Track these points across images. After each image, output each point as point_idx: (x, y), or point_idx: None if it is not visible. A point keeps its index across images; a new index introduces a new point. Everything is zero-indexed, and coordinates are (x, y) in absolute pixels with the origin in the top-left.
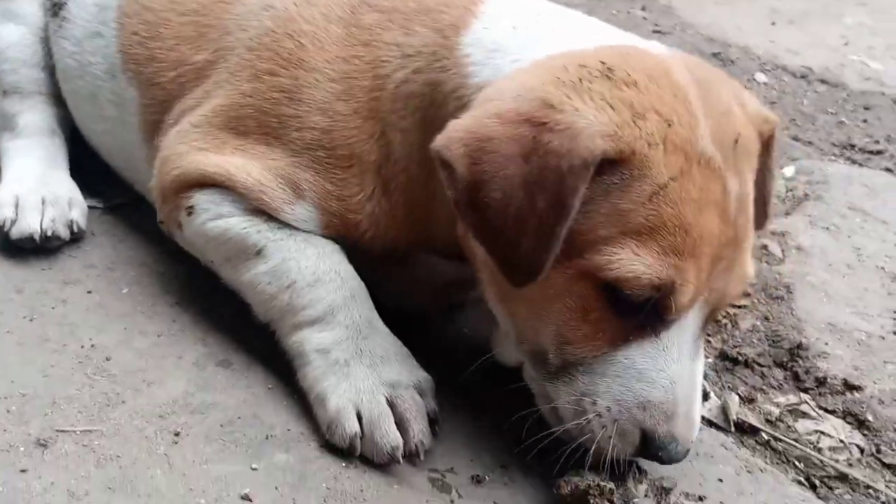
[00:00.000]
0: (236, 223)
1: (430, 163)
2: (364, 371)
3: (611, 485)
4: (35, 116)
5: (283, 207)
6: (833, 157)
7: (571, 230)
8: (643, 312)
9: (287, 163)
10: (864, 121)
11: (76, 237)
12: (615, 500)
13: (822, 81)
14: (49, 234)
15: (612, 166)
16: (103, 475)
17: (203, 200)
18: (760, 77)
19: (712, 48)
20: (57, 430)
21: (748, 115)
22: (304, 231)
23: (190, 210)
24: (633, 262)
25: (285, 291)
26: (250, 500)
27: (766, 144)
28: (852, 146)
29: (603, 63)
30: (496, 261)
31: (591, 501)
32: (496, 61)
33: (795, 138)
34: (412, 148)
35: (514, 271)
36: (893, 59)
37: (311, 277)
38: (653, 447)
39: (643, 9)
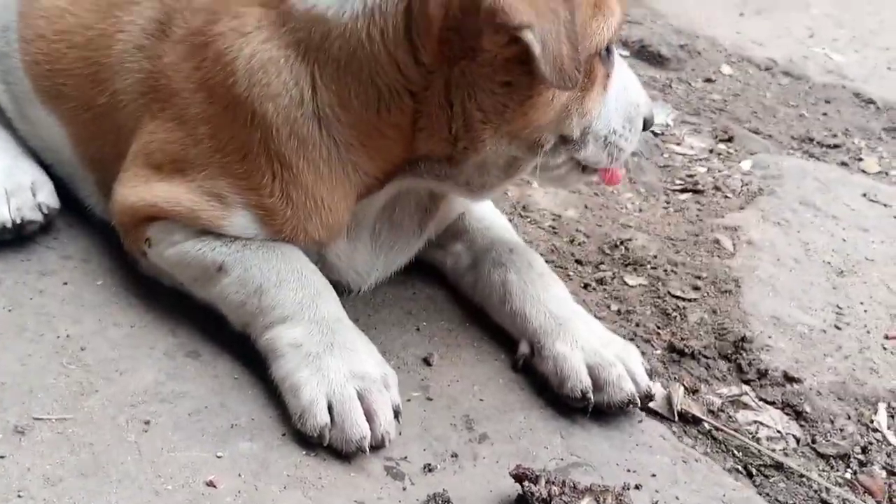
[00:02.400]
0: (191, 247)
1: (317, 116)
2: (336, 363)
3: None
4: None
5: (220, 222)
6: (791, 151)
7: None
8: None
9: (202, 178)
10: (824, 114)
11: (49, 217)
12: (562, 488)
13: (786, 74)
14: (19, 221)
15: None
16: (77, 461)
17: (156, 231)
18: (726, 69)
19: (680, 40)
20: (34, 418)
21: None
22: (253, 239)
23: (148, 242)
24: (610, 20)
25: (253, 296)
26: (215, 486)
27: None
28: (811, 140)
29: None
30: (554, 81)
31: (538, 484)
32: None
33: (756, 131)
34: (290, 108)
35: (567, 77)
36: (856, 51)
37: (275, 279)
38: (648, 122)
39: None
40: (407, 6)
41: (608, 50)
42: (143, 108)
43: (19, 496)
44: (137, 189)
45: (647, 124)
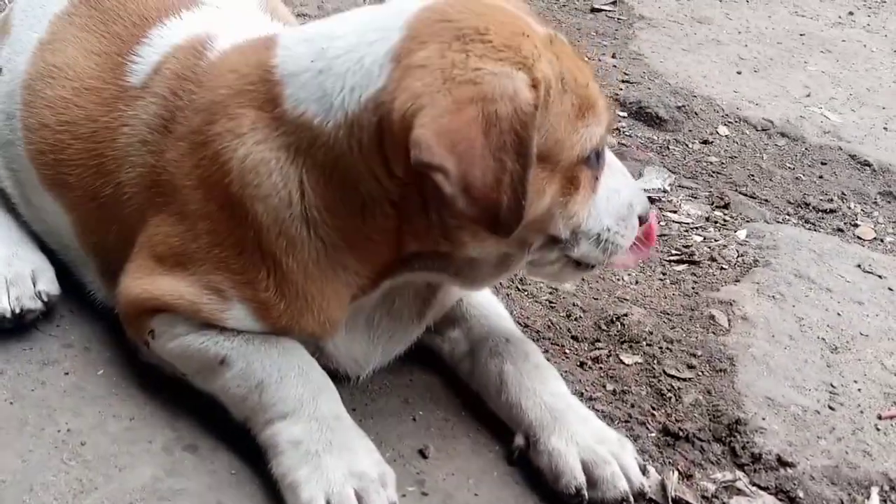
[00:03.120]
0: (193, 340)
1: (306, 218)
2: (334, 462)
3: None
4: None
5: (220, 315)
6: (787, 216)
7: (541, 153)
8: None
9: (202, 272)
10: (821, 177)
11: (50, 305)
12: None
13: (783, 135)
14: (18, 310)
15: (538, 95)
16: None
17: (159, 323)
18: (723, 130)
19: (677, 100)
20: None
21: None
22: (253, 332)
23: (151, 333)
24: (590, 132)
25: (255, 391)
26: None
27: None
28: (807, 205)
29: (455, 35)
30: (486, 227)
31: None
32: (334, 100)
33: (752, 196)
34: (279, 210)
35: (502, 226)
36: (853, 110)
37: (276, 375)
38: (643, 219)
39: (613, 56)
40: (379, 121)
41: (597, 154)
42: (147, 202)
43: None
44: (141, 281)
45: (642, 220)
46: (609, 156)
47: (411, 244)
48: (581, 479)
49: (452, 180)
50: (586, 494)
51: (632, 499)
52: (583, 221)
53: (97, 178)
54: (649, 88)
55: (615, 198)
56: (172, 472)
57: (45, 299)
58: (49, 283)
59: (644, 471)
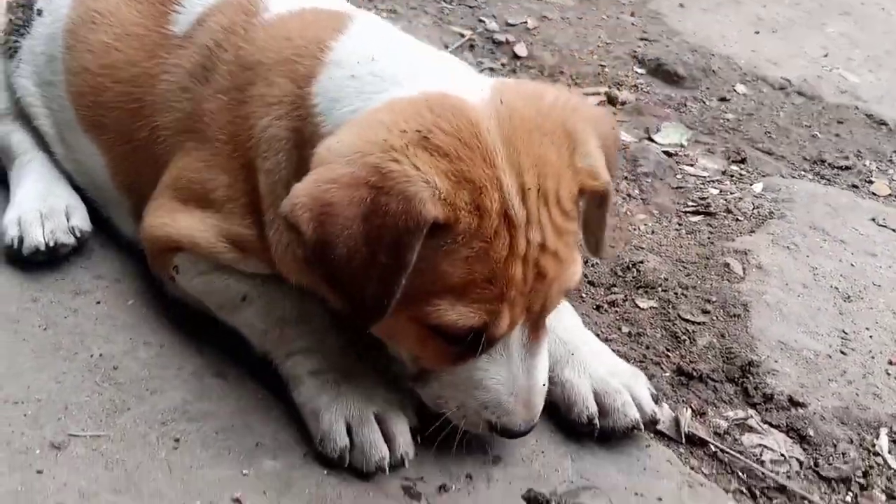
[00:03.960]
0: (216, 278)
1: None
2: (353, 389)
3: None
4: (23, 135)
5: (237, 265)
6: (803, 172)
7: (405, 286)
8: (469, 342)
9: (219, 219)
10: (837, 135)
11: (82, 240)
12: None
13: (800, 94)
14: (52, 244)
15: (439, 230)
16: (111, 477)
17: (183, 261)
18: (741, 88)
19: (695, 58)
20: (69, 434)
21: (573, 167)
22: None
23: (175, 269)
24: (448, 314)
25: (275, 327)
26: (241, 503)
27: (598, 199)
28: (822, 161)
29: (418, 131)
30: (345, 305)
31: None
32: (337, 111)
33: (769, 152)
34: (275, 186)
35: (361, 314)
36: (870, 71)
37: (296, 313)
38: (497, 433)
39: (632, 14)
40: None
41: (477, 340)
42: (178, 145)
43: None
44: (163, 220)
45: (494, 430)
46: (509, 360)
47: None
48: (593, 408)
49: (306, 245)
50: (598, 423)
51: (642, 427)
52: (430, 371)
53: (134, 121)
54: (667, 46)
55: (471, 388)
56: (202, 396)
57: (78, 235)
58: (81, 220)
59: (656, 400)
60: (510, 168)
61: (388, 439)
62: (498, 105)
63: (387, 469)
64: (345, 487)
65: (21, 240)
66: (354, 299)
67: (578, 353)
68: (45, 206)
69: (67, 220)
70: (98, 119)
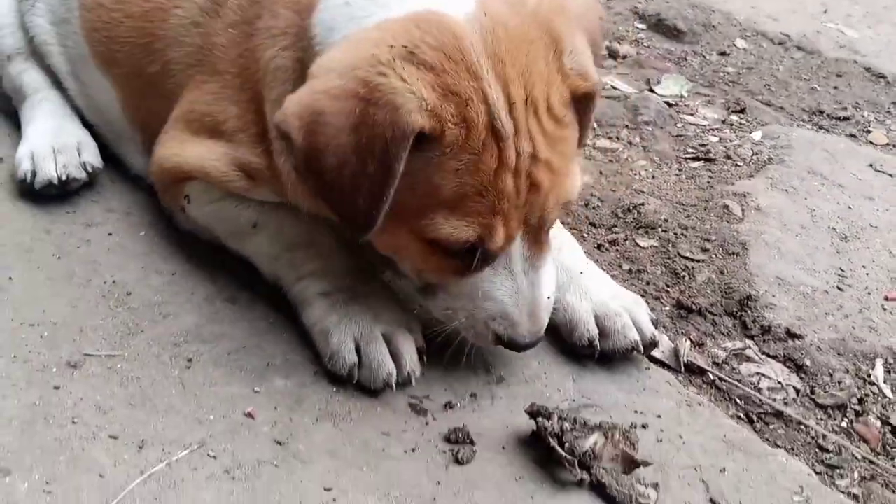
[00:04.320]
0: (227, 205)
1: None
2: (362, 309)
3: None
4: (35, 74)
5: (246, 193)
6: (801, 123)
7: (399, 202)
8: (468, 255)
9: (230, 149)
10: (835, 88)
11: (93, 176)
12: (573, 425)
13: (799, 48)
14: (64, 178)
15: (427, 142)
16: (126, 393)
17: (194, 190)
18: (740, 43)
19: (696, 14)
20: (85, 354)
21: (562, 71)
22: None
23: (187, 198)
24: (443, 227)
25: (285, 253)
26: (253, 418)
27: (584, 98)
28: (821, 112)
29: (405, 47)
30: (337, 216)
31: (550, 420)
32: (332, 38)
33: (768, 103)
34: None
35: (353, 224)
36: (869, 27)
37: (306, 237)
38: (504, 344)
39: None
40: None
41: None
42: (188, 79)
43: (73, 422)
44: (175, 151)
45: (501, 342)
46: (511, 272)
47: None
48: (594, 330)
49: (297, 154)
50: (598, 345)
51: (642, 348)
52: (436, 284)
53: (146, 55)
54: (667, 2)
55: (477, 299)
56: (213, 319)
57: (89, 170)
58: (93, 156)
59: (656, 325)
60: (496, 80)
61: (396, 357)
62: (482, 18)
63: (394, 386)
64: (353, 403)
65: (34, 174)
66: (346, 210)
67: (580, 279)
68: (57, 142)
69: (79, 156)
70: (111, 54)
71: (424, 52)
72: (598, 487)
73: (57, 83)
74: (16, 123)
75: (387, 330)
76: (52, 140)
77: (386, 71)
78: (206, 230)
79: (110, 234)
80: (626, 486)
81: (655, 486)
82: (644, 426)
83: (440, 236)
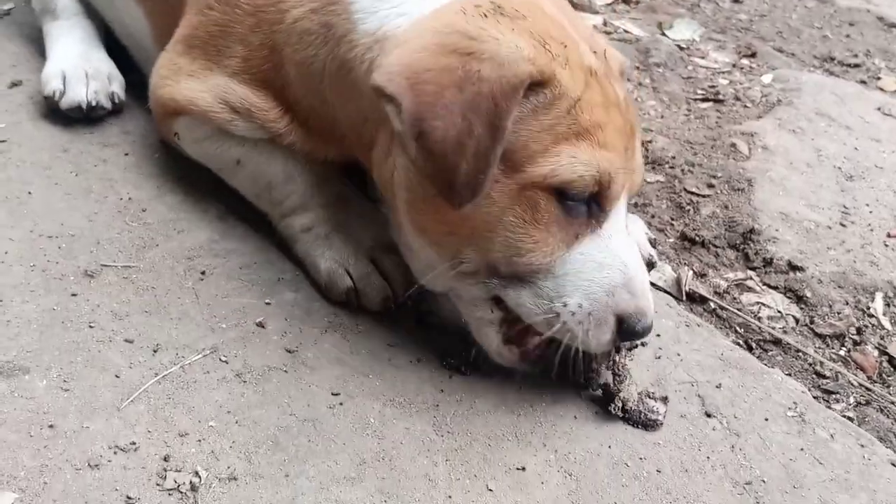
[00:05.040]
0: (210, 144)
1: (322, 94)
2: (345, 238)
3: None
4: (70, 1)
5: (228, 125)
6: (812, 68)
7: (507, 150)
8: (587, 207)
9: (224, 82)
10: (847, 36)
11: (117, 108)
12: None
13: None
14: (94, 104)
15: (535, 87)
16: (141, 301)
17: (182, 127)
18: None
19: None
20: (101, 265)
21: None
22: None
23: (177, 135)
24: (573, 164)
25: (266, 190)
26: (263, 327)
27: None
28: (832, 59)
29: (492, 2)
30: (438, 186)
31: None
32: (381, 11)
33: (779, 49)
34: (305, 80)
35: (456, 193)
36: None
37: (283, 175)
38: (628, 326)
39: None
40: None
41: (589, 205)
42: (199, 2)
43: (90, 326)
44: (167, 83)
45: (624, 332)
46: (620, 237)
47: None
48: None
49: (405, 118)
50: None
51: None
52: (538, 267)
53: None
54: None
55: (593, 271)
56: (226, 235)
57: (116, 101)
58: (120, 88)
59: (653, 245)
60: (575, 30)
61: (387, 278)
62: None
63: (392, 306)
64: (361, 318)
65: (63, 93)
66: (448, 178)
67: None
68: (90, 67)
69: (109, 85)
70: None
71: (512, 5)
72: (603, 402)
73: (90, 13)
74: (36, 49)
75: (373, 254)
76: (84, 64)
77: (483, 24)
78: (201, 163)
79: (126, 154)
80: (633, 399)
81: (664, 399)
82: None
83: (568, 177)
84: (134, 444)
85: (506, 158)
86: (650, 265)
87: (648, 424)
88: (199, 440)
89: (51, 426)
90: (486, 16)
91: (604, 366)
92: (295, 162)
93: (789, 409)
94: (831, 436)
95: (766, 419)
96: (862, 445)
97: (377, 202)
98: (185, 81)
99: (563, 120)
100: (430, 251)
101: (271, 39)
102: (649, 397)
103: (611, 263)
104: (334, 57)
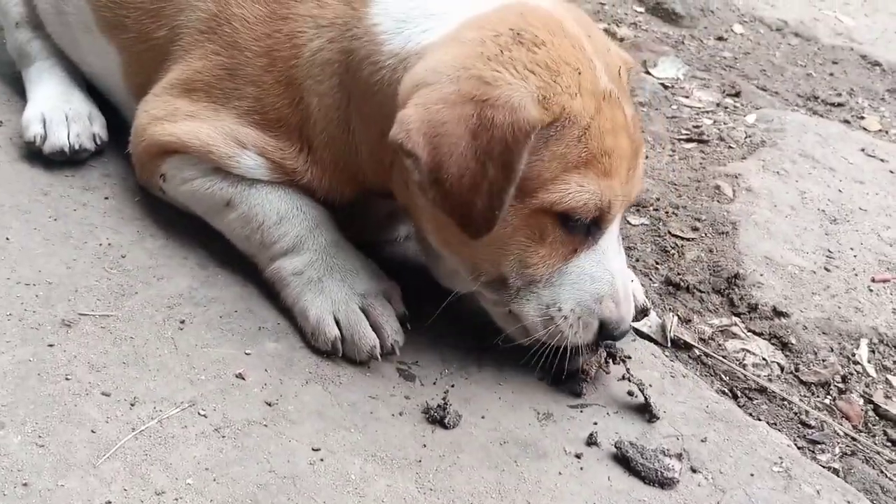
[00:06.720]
0: (200, 184)
1: (348, 122)
2: (336, 284)
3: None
4: (43, 42)
5: (230, 161)
6: (796, 108)
7: (520, 178)
8: (588, 227)
9: (231, 122)
10: (831, 74)
11: (100, 149)
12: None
13: (796, 35)
14: (77, 147)
15: (541, 119)
16: (119, 352)
17: (170, 167)
18: (738, 28)
19: (696, 1)
20: (79, 314)
21: (612, 51)
22: (259, 179)
23: (163, 177)
24: (580, 193)
25: (257, 232)
26: (244, 378)
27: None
28: (815, 98)
29: (511, 30)
30: (456, 221)
31: None
32: (406, 31)
33: (763, 88)
34: (329, 110)
35: (472, 228)
36: (866, 15)
37: (276, 217)
38: (608, 330)
39: None
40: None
41: (590, 227)
42: (195, 44)
43: (67, 379)
44: (162, 121)
45: (604, 335)
46: (612, 253)
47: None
48: None
49: (422, 170)
50: None
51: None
52: (540, 281)
53: (154, 21)
54: None
55: (587, 284)
56: (206, 283)
57: (99, 143)
58: (101, 128)
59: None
60: (594, 52)
61: (377, 328)
62: (564, 4)
63: (379, 357)
64: (343, 369)
65: (44, 138)
66: (465, 214)
67: None
68: (69, 109)
69: (91, 126)
70: (118, 19)
71: (531, 32)
72: (622, 460)
73: (59, 52)
74: (16, 89)
75: (364, 302)
76: (64, 106)
77: (497, 67)
78: (185, 208)
79: (107, 198)
80: (650, 458)
81: (679, 455)
82: (630, 393)
83: (574, 205)
84: (110, 503)
85: (519, 186)
86: (644, 312)
87: (665, 483)
88: (177, 499)
89: (24, 484)
90: (502, 52)
91: (582, 364)
92: (292, 203)
93: (775, 463)
94: (817, 492)
95: (752, 475)
96: (848, 501)
97: (370, 247)
98: (185, 121)
99: (573, 148)
100: (455, 259)
101: (287, 76)
102: (664, 454)
103: (601, 277)
104: (357, 80)
